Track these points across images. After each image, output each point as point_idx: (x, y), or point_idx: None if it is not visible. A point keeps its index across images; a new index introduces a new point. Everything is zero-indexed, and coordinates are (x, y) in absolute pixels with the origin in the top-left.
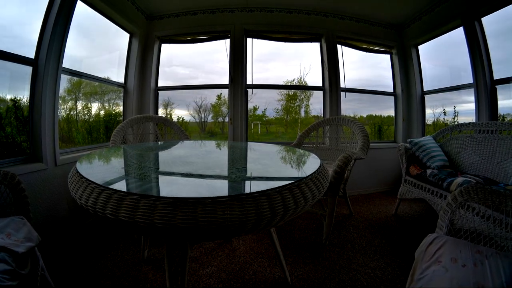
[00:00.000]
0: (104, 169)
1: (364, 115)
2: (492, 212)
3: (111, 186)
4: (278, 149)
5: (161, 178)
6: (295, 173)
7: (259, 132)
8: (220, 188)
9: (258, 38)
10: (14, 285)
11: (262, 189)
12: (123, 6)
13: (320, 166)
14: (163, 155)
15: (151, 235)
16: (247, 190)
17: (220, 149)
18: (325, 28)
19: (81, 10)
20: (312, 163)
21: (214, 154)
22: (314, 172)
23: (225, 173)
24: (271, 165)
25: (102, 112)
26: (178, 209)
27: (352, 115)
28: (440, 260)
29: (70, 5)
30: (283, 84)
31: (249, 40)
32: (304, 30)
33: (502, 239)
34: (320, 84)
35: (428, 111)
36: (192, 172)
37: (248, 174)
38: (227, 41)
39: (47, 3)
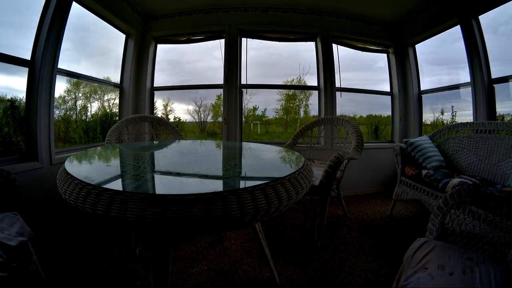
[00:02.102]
0: (90, 166)
1: (364, 115)
2: (487, 214)
3: (92, 183)
4: (268, 149)
5: (141, 176)
6: (274, 173)
7: (259, 132)
8: (193, 186)
9: (252, 38)
10: (4, 276)
11: (232, 188)
12: (119, 7)
13: (301, 167)
14: (149, 154)
15: (124, 229)
16: (220, 189)
17: (209, 149)
18: (321, 27)
19: (77, 12)
20: (295, 164)
21: (200, 154)
22: (293, 173)
23: (203, 171)
24: (253, 165)
25: (101, 112)
26: (148, 204)
27: (352, 115)
28: (427, 267)
29: (65, 6)
30: (282, 84)
31: (243, 40)
32: (299, 29)
33: (496, 244)
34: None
35: (427, 111)
36: (171, 170)
37: (226, 174)
38: (222, 41)
39: (43, 5)
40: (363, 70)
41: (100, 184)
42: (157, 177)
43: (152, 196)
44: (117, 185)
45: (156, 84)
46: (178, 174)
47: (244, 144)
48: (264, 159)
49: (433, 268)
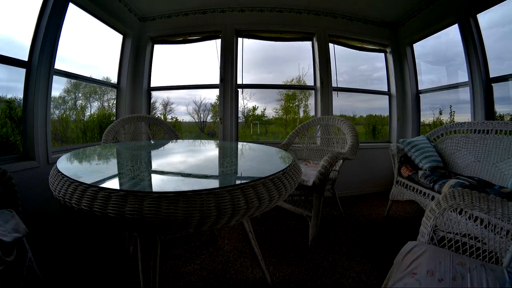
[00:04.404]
0: (81, 164)
1: (364, 115)
2: (482, 217)
3: (79, 180)
4: (261, 149)
5: (127, 174)
6: (257, 173)
7: (258, 132)
8: (174, 184)
9: (249, 37)
10: None
11: (211, 187)
12: (116, 8)
13: (286, 167)
14: (141, 153)
15: (106, 225)
16: (199, 188)
17: (202, 148)
18: (317, 27)
19: (75, 13)
20: (282, 164)
21: (191, 153)
22: (277, 173)
23: (188, 171)
24: (240, 164)
25: (99, 112)
26: (128, 201)
27: (351, 115)
28: (415, 272)
29: (62, 8)
30: (282, 84)
31: (240, 39)
32: (295, 29)
33: (491, 249)
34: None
35: (427, 112)
36: (157, 169)
37: (209, 173)
38: (218, 41)
39: (40, 6)
40: (360, 68)
41: (87, 182)
42: (142, 175)
43: (132, 193)
44: (102, 182)
45: (154, 84)
46: (162, 173)
47: (239, 144)
48: (254, 159)
49: (421, 273)
